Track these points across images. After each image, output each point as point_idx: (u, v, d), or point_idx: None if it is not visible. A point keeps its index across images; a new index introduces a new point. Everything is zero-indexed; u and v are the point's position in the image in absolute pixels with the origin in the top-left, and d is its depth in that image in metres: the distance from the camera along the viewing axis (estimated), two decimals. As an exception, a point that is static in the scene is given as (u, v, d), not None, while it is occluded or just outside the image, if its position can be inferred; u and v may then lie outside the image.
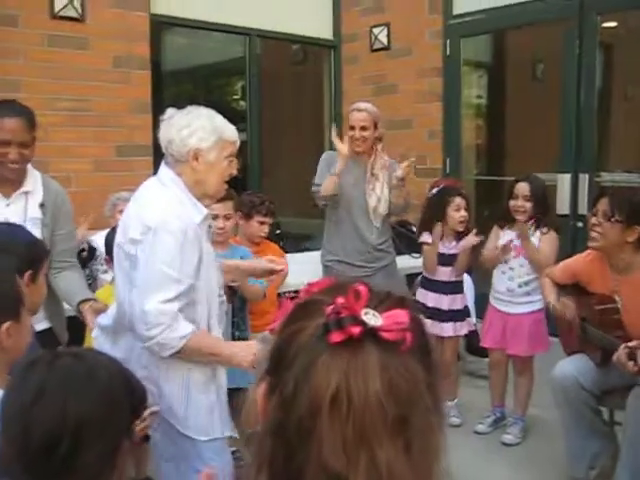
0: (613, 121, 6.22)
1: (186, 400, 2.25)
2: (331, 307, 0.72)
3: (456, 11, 5.86)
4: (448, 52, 5.90)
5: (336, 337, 0.70)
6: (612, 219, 2.92)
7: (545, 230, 3.68)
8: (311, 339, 0.72)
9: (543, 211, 3.67)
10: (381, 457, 0.68)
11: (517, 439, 3.67)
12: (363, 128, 3.81)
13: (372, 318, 0.71)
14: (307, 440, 0.69)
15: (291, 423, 0.70)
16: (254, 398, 0.80)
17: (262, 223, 3.63)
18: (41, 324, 2.67)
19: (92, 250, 3.92)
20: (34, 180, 2.79)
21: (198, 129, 2.24)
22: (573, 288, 3.24)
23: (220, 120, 2.33)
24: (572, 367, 3.09)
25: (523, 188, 3.64)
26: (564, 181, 5.12)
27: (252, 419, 0.79)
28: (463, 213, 3.85)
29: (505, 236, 3.76)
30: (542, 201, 3.67)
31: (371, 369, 0.69)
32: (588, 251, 3.18)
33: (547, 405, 3.70)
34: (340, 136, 3.91)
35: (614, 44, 6.25)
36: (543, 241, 3.67)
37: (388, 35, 6.23)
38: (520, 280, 3.71)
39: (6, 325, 1.51)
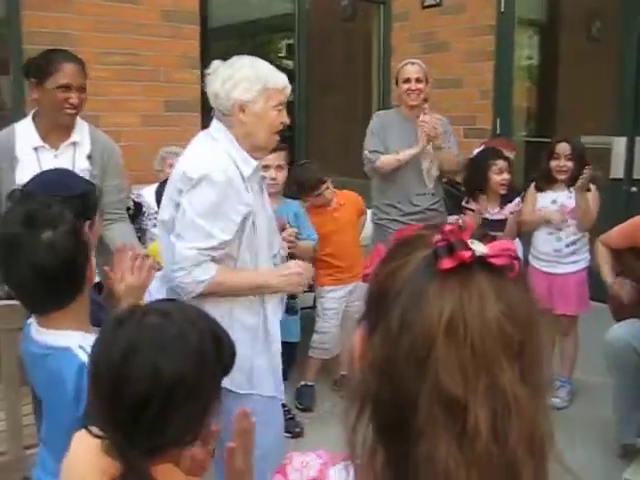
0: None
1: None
2: (439, 235, 0.71)
3: (512, -34, 5.68)
4: (502, 9, 5.74)
5: (447, 263, 0.69)
6: None
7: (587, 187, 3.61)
8: (417, 270, 0.71)
9: (583, 169, 3.59)
10: (503, 381, 0.67)
11: (565, 402, 3.64)
12: (418, 80, 3.77)
13: (479, 246, 0.70)
14: (420, 370, 0.68)
15: (400, 355, 0.69)
16: (352, 344, 0.79)
17: (319, 195, 3.67)
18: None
19: (138, 206, 3.94)
20: (81, 131, 2.80)
21: (241, 80, 2.19)
22: (631, 251, 3.16)
23: (265, 68, 2.26)
24: (626, 332, 3.03)
25: (564, 148, 3.63)
26: (619, 144, 4.98)
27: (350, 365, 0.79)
28: (505, 176, 3.78)
29: (546, 197, 3.70)
30: (582, 160, 3.62)
31: (486, 293, 0.69)
32: None
33: (592, 370, 3.67)
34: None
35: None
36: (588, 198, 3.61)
37: (440, -9, 6.08)
38: (568, 240, 3.68)
39: (92, 260, 1.56)
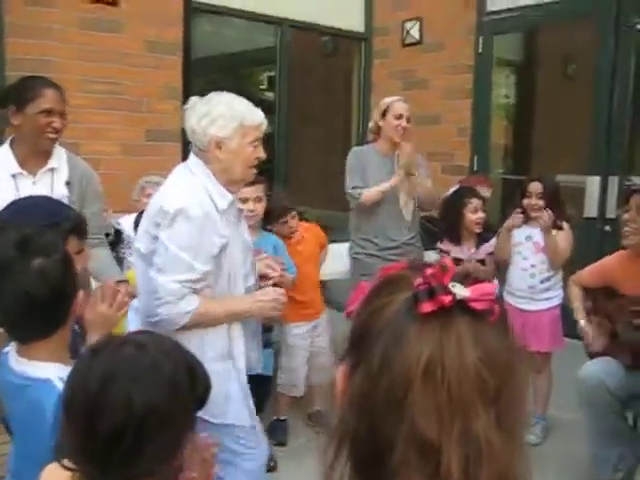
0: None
1: None
2: (420, 279, 0.72)
3: (490, 8, 5.82)
4: (480, 49, 5.87)
5: (427, 307, 0.70)
6: None
7: (559, 225, 3.67)
8: (399, 312, 0.72)
9: (556, 208, 3.66)
10: (477, 426, 0.68)
11: (539, 439, 3.65)
12: (407, 119, 3.83)
13: (460, 289, 0.71)
14: (397, 410, 0.69)
15: (379, 394, 0.70)
16: (334, 381, 0.80)
17: (284, 223, 3.66)
18: None
19: (118, 234, 3.94)
20: (59, 157, 2.81)
21: (218, 117, 2.24)
22: (603, 290, 3.20)
23: (241, 105, 2.30)
24: (599, 369, 3.05)
25: (536, 187, 3.69)
26: (593, 183, 5.07)
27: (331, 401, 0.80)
28: (480, 215, 3.84)
29: (520, 234, 3.76)
30: (555, 198, 3.69)
31: (465, 338, 0.70)
32: (620, 252, 3.14)
33: (565, 406, 3.69)
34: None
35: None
36: (559, 237, 3.66)
37: (420, 30, 6.20)
38: (542, 276, 3.72)
39: (81, 294, 1.56)
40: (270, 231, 3.65)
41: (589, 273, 3.32)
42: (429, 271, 0.72)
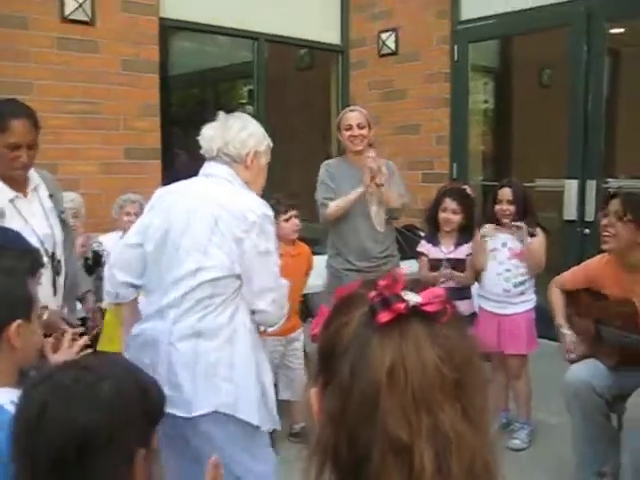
0: (620, 127, 6.21)
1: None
2: (374, 292, 0.76)
3: (464, 16, 5.89)
4: (456, 57, 5.92)
5: (384, 317, 0.74)
6: (624, 219, 2.93)
7: (532, 232, 3.71)
8: (359, 326, 0.76)
9: (526, 213, 3.71)
10: (444, 420, 0.72)
11: (524, 444, 3.65)
12: (359, 126, 3.85)
13: (412, 296, 0.76)
14: (370, 418, 0.72)
15: (352, 406, 0.73)
16: (308, 401, 0.84)
17: (288, 220, 3.62)
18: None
19: (97, 256, 3.86)
20: (32, 174, 2.76)
21: (255, 132, 2.40)
22: (586, 291, 3.23)
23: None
24: (585, 371, 3.06)
25: (506, 193, 3.73)
26: (571, 187, 5.13)
27: (308, 420, 0.82)
28: (449, 215, 3.87)
29: (496, 240, 3.78)
30: (524, 203, 3.73)
31: (422, 340, 0.74)
32: (602, 254, 3.17)
33: (549, 410, 3.71)
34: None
35: (621, 50, 6.26)
36: (534, 244, 3.70)
37: (396, 40, 6.24)
38: (516, 280, 3.74)
39: (17, 323, 1.49)
40: None
41: (572, 274, 3.33)
42: (381, 283, 0.76)
